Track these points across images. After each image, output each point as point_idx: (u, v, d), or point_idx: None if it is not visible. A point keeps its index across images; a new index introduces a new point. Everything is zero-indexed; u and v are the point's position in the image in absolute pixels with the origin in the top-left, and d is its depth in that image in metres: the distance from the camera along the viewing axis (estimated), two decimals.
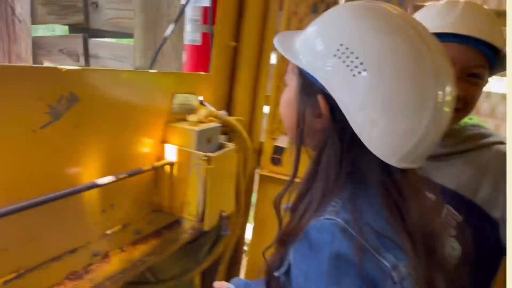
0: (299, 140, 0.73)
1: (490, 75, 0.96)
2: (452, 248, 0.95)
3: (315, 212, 0.68)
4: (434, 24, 0.93)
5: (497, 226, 0.93)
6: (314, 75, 0.68)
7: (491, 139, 0.97)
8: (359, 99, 0.65)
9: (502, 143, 0.98)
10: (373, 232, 0.65)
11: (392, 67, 0.64)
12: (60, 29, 2.99)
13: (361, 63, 0.64)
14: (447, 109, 0.67)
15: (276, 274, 0.73)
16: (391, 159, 0.66)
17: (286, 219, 0.77)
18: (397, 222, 0.67)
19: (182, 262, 1.62)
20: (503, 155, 0.94)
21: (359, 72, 0.64)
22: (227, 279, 1.63)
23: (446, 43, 0.87)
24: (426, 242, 0.69)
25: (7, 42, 2.31)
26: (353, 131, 0.66)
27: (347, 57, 0.65)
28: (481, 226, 0.93)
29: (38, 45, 2.51)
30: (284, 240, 0.72)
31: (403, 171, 0.69)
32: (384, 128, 0.65)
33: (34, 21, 2.33)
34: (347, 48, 0.65)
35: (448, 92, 0.67)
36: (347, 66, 0.64)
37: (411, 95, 0.65)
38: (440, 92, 0.66)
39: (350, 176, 0.69)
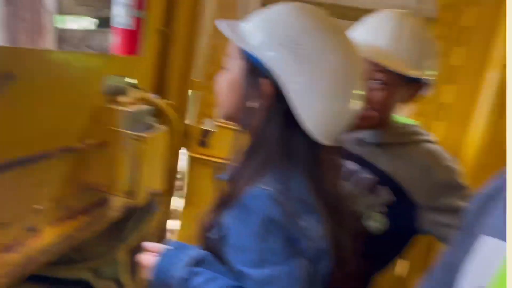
0: (244, 119, 0.83)
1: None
2: (380, 222, 1.11)
3: (252, 181, 0.79)
4: (353, 32, 1.08)
5: (419, 209, 1.09)
6: (263, 61, 0.78)
7: (422, 137, 1.14)
8: (302, 84, 0.77)
9: (431, 141, 1.14)
10: (297, 199, 0.79)
11: (329, 61, 0.78)
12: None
13: (304, 54, 0.76)
14: (359, 101, 0.83)
15: (211, 235, 0.83)
16: (320, 136, 0.80)
17: (224, 188, 0.87)
18: (315, 190, 0.81)
19: (108, 241, 1.65)
20: (429, 151, 1.11)
21: (304, 61, 0.76)
22: None
23: None
24: (336, 207, 0.84)
25: (34, 34, 2.04)
26: (291, 111, 0.78)
27: (293, 47, 0.76)
28: (405, 207, 1.09)
29: (63, 39, 2.25)
30: (222, 205, 0.82)
31: (323, 147, 0.83)
32: (319, 109, 0.78)
33: (60, 11, 2.06)
34: (292, 40, 0.76)
35: (361, 88, 0.83)
36: (294, 55, 0.76)
37: (342, 84, 0.80)
38: (358, 86, 0.82)
39: (283, 151, 0.81)
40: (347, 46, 0.82)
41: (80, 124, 1.14)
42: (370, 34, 1.06)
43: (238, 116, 0.85)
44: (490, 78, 1.34)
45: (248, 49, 0.80)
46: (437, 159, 1.10)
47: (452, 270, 0.62)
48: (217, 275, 0.80)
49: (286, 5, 0.84)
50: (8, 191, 0.92)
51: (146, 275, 0.86)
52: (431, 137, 1.17)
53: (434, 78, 1.11)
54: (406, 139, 1.13)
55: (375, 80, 1.04)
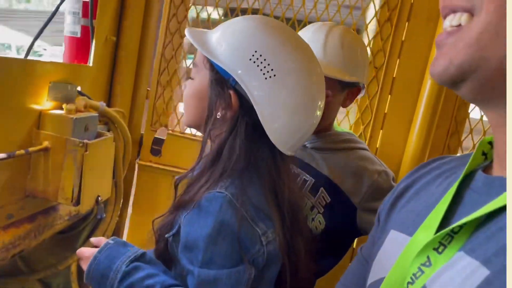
0: (209, 128, 0.85)
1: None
2: (319, 222, 1.15)
3: (211, 185, 0.81)
4: None
5: (355, 210, 1.14)
6: (230, 73, 0.80)
7: (358, 145, 1.21)
8: (268, 98, 0.79)
9: (364, 149, 1.21)
10: (252, 205, 0.81)
11: (295, 76, 0.81)
12: None
13: (272, 69, 0.79)
14: (320, 112, 0.87)
15: (166, 236, 0.84)
16: (283, 147, 0.83)
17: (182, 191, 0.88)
18: (272, 197, 0.84)
19: (57, 251, 1.62)
20: (362, 157, 1.17)
21: (270, 76, 0.79)
22: None
23: None
24: (292, 214, 0.87)
25: None
26: (255, 122, 0.81)
27: (261, 62, 0.79)
28: (343, 208, 1.14)
29: None
30: (179, 206, 0.84)
31: (283, 157, 0.86)
32: (284, 122, 0.81)
33: None
34: (260, 55, 0.79)
35: (323, 100, 0.87)
36: (260, 70, 0.79)
37: (306, 98, 0.83)
38: (320, 99, 0.86)
39: (246, 161, 0.83)
40: (311, 61, 0.85)
41: (24, 130, 1.13)
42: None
43: (203, 125, 0.87)
44: (426, 89, 1.43)
45: (215, 60, 0.81)
46: (368, 165, 1.16)
47: (368, 264, 0.66)
48: (158, 272, 0.81)
49: (252, 19, 0.86)
50: None
51: (84, 266, 0.85)
52: (364, 145, 1.24)
53: (365, 81, 1.18)
54: (340, 146, 1.19)
55: None
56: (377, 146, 1.52)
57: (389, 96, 1.50)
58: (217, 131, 0.85)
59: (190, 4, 1.59)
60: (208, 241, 0.77)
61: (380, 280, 0.55)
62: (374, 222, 1.11)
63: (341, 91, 1.15)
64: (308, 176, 1.17)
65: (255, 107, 0.80)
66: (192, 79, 0.89)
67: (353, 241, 1.24)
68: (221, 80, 0.83)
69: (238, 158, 0.82)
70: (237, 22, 0.86)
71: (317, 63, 0.87)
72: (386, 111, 1.51)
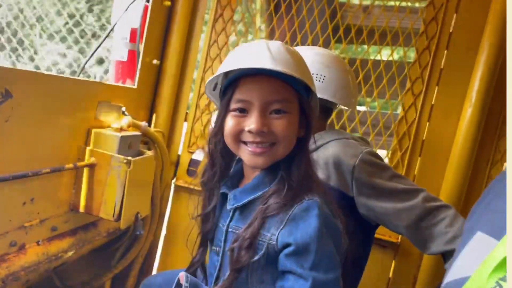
0: None
1: None
2: None
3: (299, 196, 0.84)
4: None
5: (353, 202, 1.12)
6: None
7: (331, 137, 1.18)
8: None
9: (336, 139, 1.18)
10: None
11: None
12: None
13: None
14: None
15: (254, 259, 0.83)
16: None
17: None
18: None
19: (92, 268, 1.65)
20: (336, 146, 1.14)
21: None
22: (138, 285, 1.69)
23: None
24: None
25: None
26: None
27: None
28: (342, 204, 1.07)
29: None
30: (262, 221, 0.84)
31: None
32: None
33: None
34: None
35: None
36: None
37: None
38: None
39: None
40: None
41: (73, 147, 1.19)
42: None
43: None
44: (466, 117, 1.42)
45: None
46: (342, 149, 1.13)
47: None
48: None
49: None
50: None
51: None
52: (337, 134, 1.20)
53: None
54: (321, 142, 1.17)
55: None
56: (415, 173, 1.50)
57: (428, 123, 1.50)
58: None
59: (231, 32, 1.64)
60: (318, 243, 0.79)
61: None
62: (373, 204, 1.07)
63: None
64: None
65: None
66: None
67: (369, 232, 1.22)
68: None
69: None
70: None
71: None
72: (424, 138, 1.50)
